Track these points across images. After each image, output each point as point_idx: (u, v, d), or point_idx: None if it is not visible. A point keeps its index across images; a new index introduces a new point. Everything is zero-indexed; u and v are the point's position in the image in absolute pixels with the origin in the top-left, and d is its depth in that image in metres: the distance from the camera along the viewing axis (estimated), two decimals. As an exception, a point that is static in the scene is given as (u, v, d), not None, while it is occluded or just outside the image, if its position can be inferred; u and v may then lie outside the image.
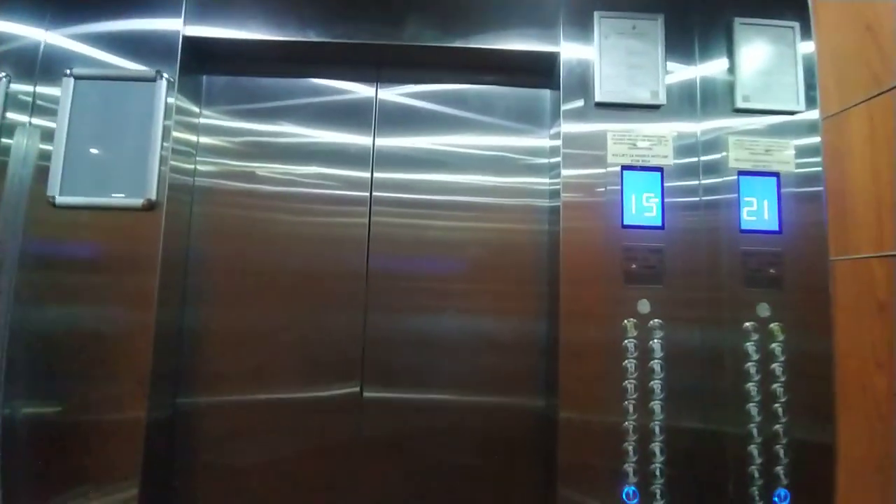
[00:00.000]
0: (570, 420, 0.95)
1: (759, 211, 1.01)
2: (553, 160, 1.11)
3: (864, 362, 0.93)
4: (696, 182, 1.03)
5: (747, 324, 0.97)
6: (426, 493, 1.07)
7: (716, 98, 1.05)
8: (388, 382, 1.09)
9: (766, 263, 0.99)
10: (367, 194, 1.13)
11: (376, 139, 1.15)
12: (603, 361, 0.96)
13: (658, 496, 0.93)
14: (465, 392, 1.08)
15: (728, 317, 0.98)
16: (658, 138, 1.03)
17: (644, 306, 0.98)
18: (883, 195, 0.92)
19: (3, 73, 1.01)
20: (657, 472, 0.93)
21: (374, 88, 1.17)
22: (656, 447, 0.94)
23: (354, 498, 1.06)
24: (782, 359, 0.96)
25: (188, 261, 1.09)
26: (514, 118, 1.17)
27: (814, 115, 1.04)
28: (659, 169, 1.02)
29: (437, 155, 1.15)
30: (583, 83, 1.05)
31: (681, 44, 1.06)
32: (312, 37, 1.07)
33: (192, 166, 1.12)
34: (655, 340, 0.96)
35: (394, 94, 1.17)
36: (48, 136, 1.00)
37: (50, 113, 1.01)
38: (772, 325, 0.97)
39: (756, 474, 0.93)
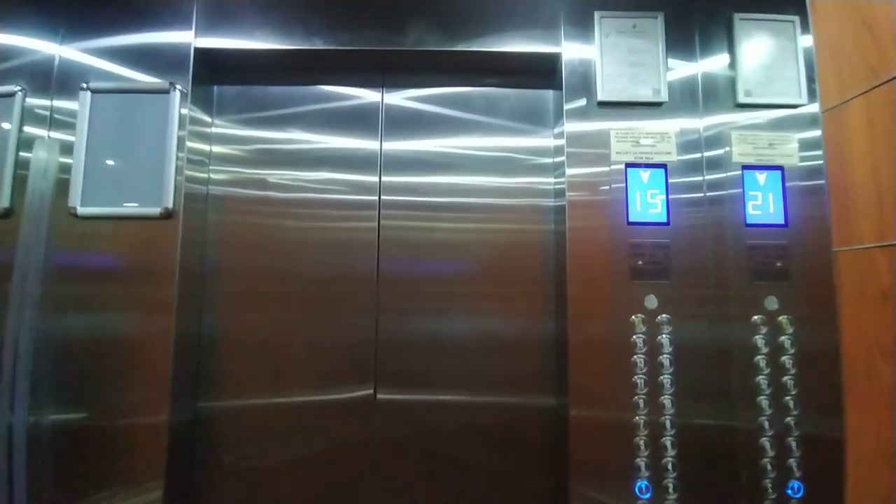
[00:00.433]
0: (580, 417, 0.96)
1: (763, 205, 1.01)
2: (557, 159, 1.12)
3: (869, 351, 0.93)
4: (700, 178, 1.03)
5: (756, 317, 0.98)
6: (441, 491, 1.08)
7: (717, 93, 1.06)
8: (402, 384, 1.10)
9: (773, 257, 0.99)
10: (376, 198, 1.15)
11: (383, 143, 1.17)
12: (612, 358, 0.97)
13: (671, 490, 0.93)
14: (477, 392, 1.10)
15: (736, 311, 0.99)
16: (661, 135, 1.04)
17: (651, 302, 0.99)
18: (883, 186, 0.93)
19: (19, 87, 1.04)
20: (669, 466, 0.94)
21: (380, 93, 1.19)
22: (668, 441, 0.95)
23: (371, 498, 1.07)
24: (792, 352, 0.96)
25: (204, 268, 1.12)
26: (518, 118, 1.18)
27: (816, 108, 1.04)
28: (663, 165, 1.03)
29: (443, 157, 1.17)
30: (585, 82, 1.06)
31: (681, 41, 1.07)
32: (319, 45, 1.09)
33: (205, 175, 1.15)
34: (664, 335, 0.97)
35: (399, 98, 1.19)
36: (66, 148, 1.03)
37: (66, 126, 1.04)
38: (780, 318, 0.98)
39: (769, 467, 0.94)
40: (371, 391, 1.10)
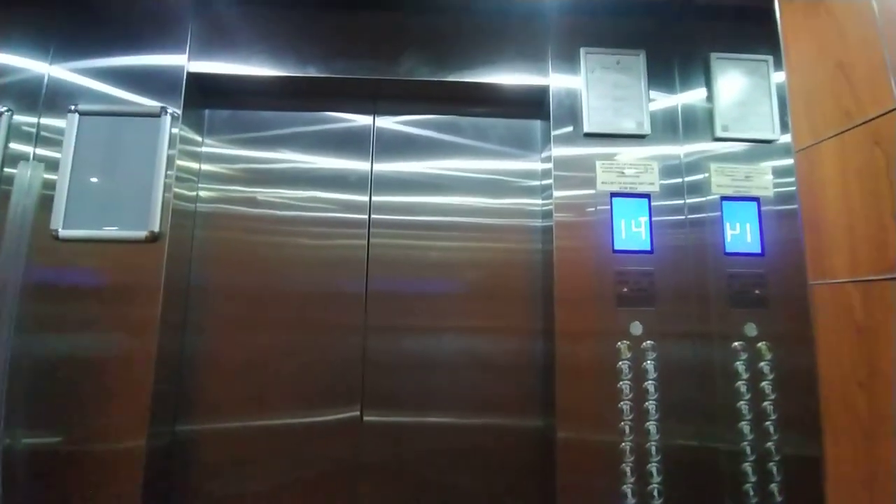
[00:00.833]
0: (568, 440, 0.97)
1: (741, 234, 1.05)
2: (545, 182, 1.15)
3: (845, 382, 0.96)
4: (682, 201, 1.07)
5: (736, 343, 1.01)
6: (426, 517, 1.07)
7: (696, 125, 1.11)
8: (389, 405, 1.10)
9: (751, 285, 1.03)
10: (366, 216, 1.16)
11: (374, 164, 1.19)
12: (599, 382, 0.98)
13: (656, 516, 0.94)
14: (464, 414, 1.09)
15: (717, 337, 1.01)
16: (644, 166, 1.08)
17: (636, 328, 1.01)
18: (855, 223, 0.97)
19: (6, 108, 1.02)
20: (655, 493, 0.95)
21: (372, 118, 1.21)
22: (653, 467, 0.96)
23: (354, 525, 1.05)
24: (771, 377, 0.99)
25: (189, 286, 1.11)
26: (507, 143, 1.21)
27: (789, 138, 1.10)
28: (646, 195, 1.07)
29: (433, 179, 1.19)
30: (572, 114, 1.10)
31: (662, 76, 1.12)
32: (312, 72, 1.11)
33: (194, 193, 1.14)
34: (649, 362, 0.99)
35: (391, 123, 1.22)
36: (52, 165, 1.01)
37: (53, 143, 1.03)
38: (759, 345, 1.00)
39: (751, 492, 0.95)
40: (358, 413, 1.09)
